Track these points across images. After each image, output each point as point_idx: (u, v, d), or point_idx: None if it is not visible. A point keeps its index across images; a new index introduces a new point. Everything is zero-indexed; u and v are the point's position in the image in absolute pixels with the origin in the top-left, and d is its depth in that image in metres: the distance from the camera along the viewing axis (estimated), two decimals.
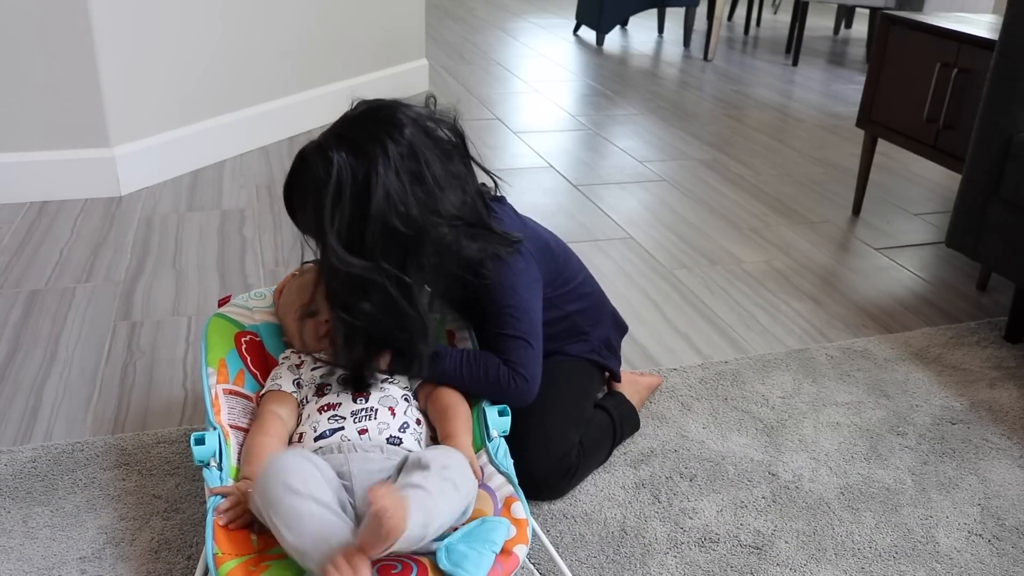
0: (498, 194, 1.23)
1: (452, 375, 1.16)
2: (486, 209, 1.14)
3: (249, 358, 1.24)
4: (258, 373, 1.23)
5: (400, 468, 0.99)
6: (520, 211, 1.30)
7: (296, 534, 0.86)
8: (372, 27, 3.09)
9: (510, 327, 1.15)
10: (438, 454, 0.98)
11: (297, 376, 1.17)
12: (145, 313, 1.70)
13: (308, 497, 0.88)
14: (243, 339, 1.24)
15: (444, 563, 0.91)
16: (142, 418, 1.39)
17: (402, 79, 3.33)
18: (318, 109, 2.91)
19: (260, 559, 0.93)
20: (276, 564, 0.92)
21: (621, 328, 1.46)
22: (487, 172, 1.19)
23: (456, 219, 1.07)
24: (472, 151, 1.15)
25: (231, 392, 1.17)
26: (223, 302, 1.31)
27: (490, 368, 1.15)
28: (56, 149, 2.19)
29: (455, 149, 1.10)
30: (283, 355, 1.22)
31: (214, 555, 0.92)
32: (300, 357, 1.20)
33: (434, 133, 1.08)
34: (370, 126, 1.05)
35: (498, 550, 0.94)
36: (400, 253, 1.04)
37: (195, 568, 1.05)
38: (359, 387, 1.11)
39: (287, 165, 2.77)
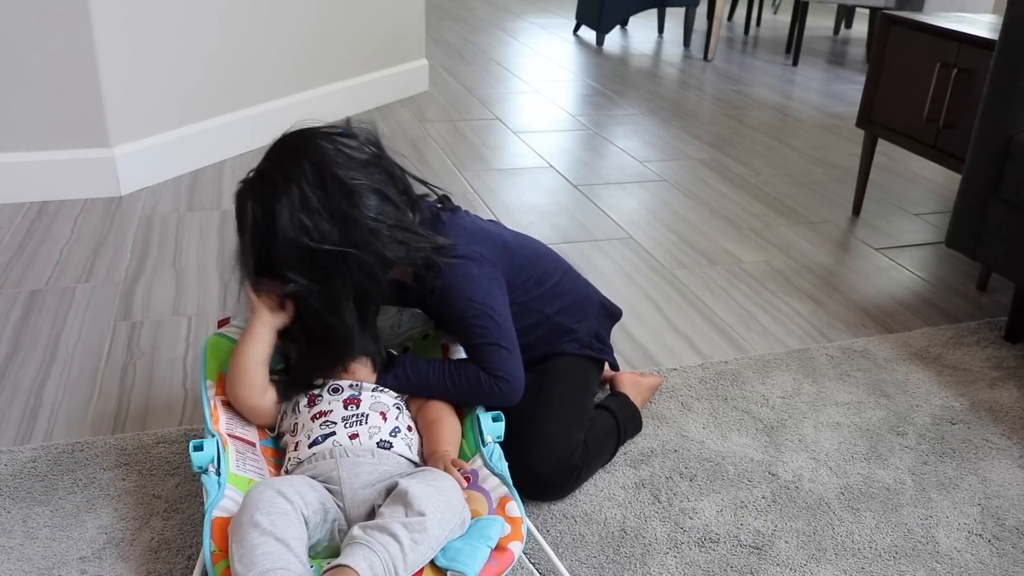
0: (452, 205, 1.26)
1: (438, 388, 1.19)
2: (413, 214, 1.17)
3: None
4: None
5: (388, 490, 0.99)
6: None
7: (245, 567, 0.87)
8: (372, 27, 3.09)
9: (478, 336, 1.17)
10: (427, 491, 0.95)
11: None
12: (145, 313, 1.70)
13: (269, 535, 0.89)
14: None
15: (440, 559, 0.92)
16: (142, 418, 1.39)
17: (402, 79, 3.34)
18: (318, 109, 2.91)
19: None
20: None
21: (612, 316, 1.46)
22: (421, 181, 1.22)
23: (376, 224, 1.09)
24: (409, 165, 1.19)
25: (229, 404, 1.18)
26: (222, 323, 1.32)
27: (471, 376, 1.17)
28: (56, 149, 2.19)
29: (373, 160, 1.14)
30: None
31: (211, 552, 0.93)
32: None
33: (347, 147, 1.12)
34: (277, 155, 1.12)
35: (493, 545, 0.95)
36: (320, 268, 1.08)
37: (195, 568, 1.05)
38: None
39: None
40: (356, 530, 0.91)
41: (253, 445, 1.15)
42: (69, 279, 1.82)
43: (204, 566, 0.94)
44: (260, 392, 1.15)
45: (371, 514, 0.99)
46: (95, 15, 2.09)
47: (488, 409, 1.18)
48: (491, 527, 0.97)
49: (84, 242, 1.99)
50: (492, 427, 1.15)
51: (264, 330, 1.14)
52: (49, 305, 1.71)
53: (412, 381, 1.19)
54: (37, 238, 2.00)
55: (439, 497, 0.95)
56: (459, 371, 1.18)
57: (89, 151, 2.21)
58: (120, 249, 1.97)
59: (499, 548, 0.95)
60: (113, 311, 1.71)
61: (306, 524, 0.94)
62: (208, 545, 0.94)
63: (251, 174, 1.12)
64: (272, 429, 1.19)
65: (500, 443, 1.15)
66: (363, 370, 1.18)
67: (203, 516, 0.98)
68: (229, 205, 2.24)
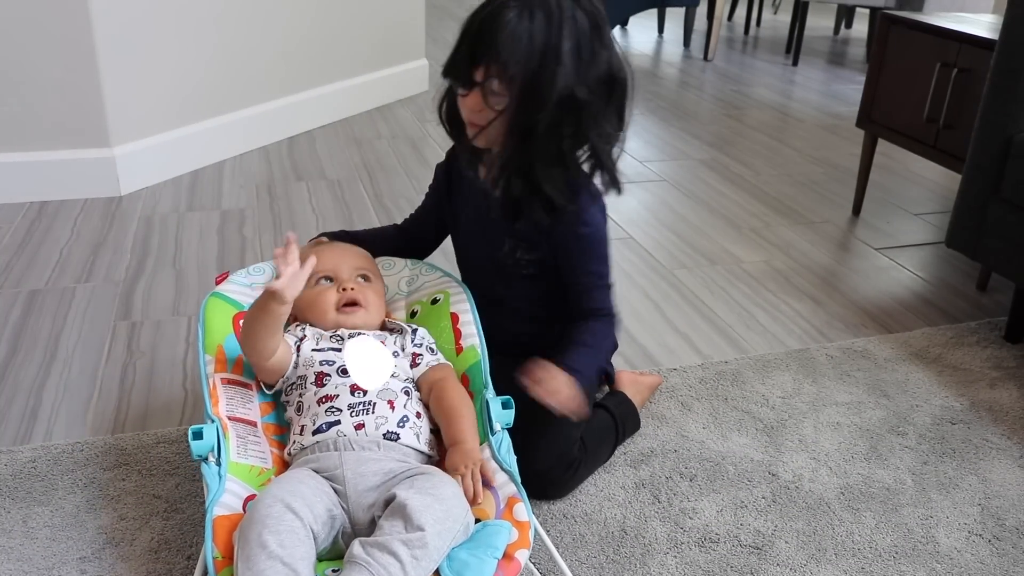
0: None
1: (596, 364, 1.27)
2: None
3: None
4: None
5: (387, 501, 0.95)
6: None
7: None
8: (372, 27, 3.09)
9: (598, 276, 1.23)
10: (425, 502, 0.92)
11: (297, 342, 1.17)
12: (145, 313, 1.70)
13: (276, 559, 0.87)
14: (241, 321, 1.19)
15: (446, 572, 0.90)
16: (142, 418, 1.39)
17: (402, 79, 3.34)
18: (318, 109, 2.91)
19: None
20: None
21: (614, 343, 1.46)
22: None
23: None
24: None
25: (229, 382, 1.15)
26: (220, 279, 1.27)
27: (605, 334, 1.25)
28: (56, 149, 2.19)
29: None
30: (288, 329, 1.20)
31: (214, 559, 0.91)
32: (303, 331, 1.19)
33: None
34: None
35: (500, 556, 0.92)
36: (608, 93, 1.12)
37: (194, 568, 1.05)
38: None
39: (287, 165, 2.77)
40: (356, 547, 0.89)
41: (254, 425, 1.12)
42: (69, 279, 1.82)
43: (204, 567, 0.94)
44: (271, 357, 1.12)
45: (373, 522, 0.97)
46: (95, 15, 2.09)
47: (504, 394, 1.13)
48: (498, 536, 0.94)
49: (84, 242, 1.99)
50: (502, 414, 1.10)
51: (284, 310, 1.09)
52: (49, 305, 1.71)
53: (592, 374, 1.26)
54: (37, 238, 2.00)
55: (438, 508, 0.92)
56: (596, 338, 1.23)
57: (89, 151, 2.21)
58: (120, 249, 1.97)
59: (506, 556, 0.93)
60: (113, 311, 1.71)
61: (315, 539, 0.92)
62: (211, 550, 0.91)
63: None
64: (270, 387, 1.17)
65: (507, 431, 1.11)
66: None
67: (203, 516, 0.97)
68: (229, 205, 2.24)
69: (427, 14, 4.97)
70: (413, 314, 1.29)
